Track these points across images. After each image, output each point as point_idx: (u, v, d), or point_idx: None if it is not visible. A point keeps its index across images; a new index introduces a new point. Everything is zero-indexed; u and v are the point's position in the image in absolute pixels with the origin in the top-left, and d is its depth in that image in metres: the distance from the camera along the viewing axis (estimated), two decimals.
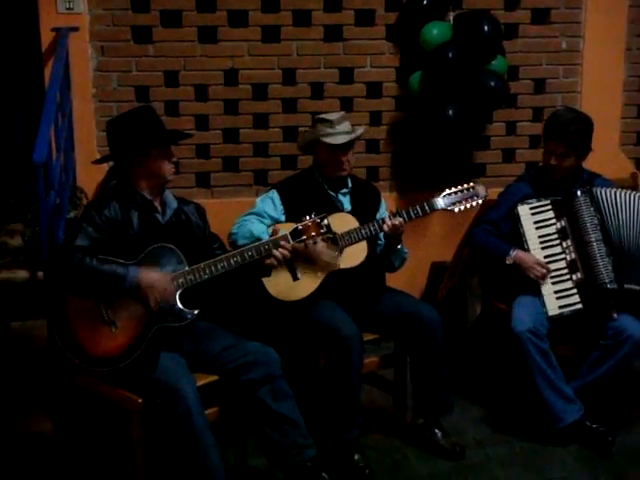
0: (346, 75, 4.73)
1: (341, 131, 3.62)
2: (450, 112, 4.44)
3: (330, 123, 3.62)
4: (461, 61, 4.37)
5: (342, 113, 3.78)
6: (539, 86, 4.95)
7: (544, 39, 4.88)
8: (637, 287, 3.61)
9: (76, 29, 4.34)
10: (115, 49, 4.47)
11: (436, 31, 4.45)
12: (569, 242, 3.71)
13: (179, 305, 3.12)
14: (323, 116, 3.69)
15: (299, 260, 3.46)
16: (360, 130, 3.74)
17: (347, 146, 3.63)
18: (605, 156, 4.72)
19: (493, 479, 3.41)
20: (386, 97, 4.80)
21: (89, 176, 4.39)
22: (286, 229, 3.22)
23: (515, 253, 3.71)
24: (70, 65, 4.35)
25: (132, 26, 4.48)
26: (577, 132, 3.68)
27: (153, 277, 3.06)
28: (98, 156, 4.04)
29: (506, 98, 4.61)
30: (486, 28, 4.36)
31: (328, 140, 3.60)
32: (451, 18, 4.56)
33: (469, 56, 4.39)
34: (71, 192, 4.21)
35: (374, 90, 4.79)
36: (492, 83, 4.42)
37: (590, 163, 3.95)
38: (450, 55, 4.35)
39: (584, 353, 3.71)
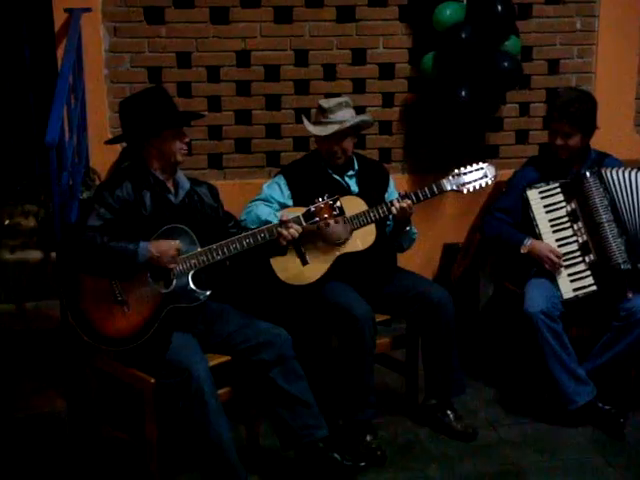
0: (358, 56, 4.71)
1: (333, 120, 3.59)
2: (463, 93, 4.41)
3: (323, 111, 3.60)
4: (474, 42, 4.33)
5: (342, 100, 3.71)
6: (553, 67, 4.90)
7: (558, 19, 4.82)
8: None
9: (89, 10, 4.32)
10: (127, 30, 4.46)
11: (449, 12, 4.40)
12: (580, 224, 3.70)
13: (192, 286, 3.14)
14: (321, 102, 3.67)
15: (309, 244, 3.46)
16: (355, 120, 3.63)
17: (338, 136, 3.60)
18: (619, 137, 4.70)
19: (505, 460, 3.42)
20: (399, 78, 4.77)
21: (102, 157, 4.39)
22: (297, 212, 3.23)
23: (530, 243, 3.70)
24: (83, 46, 4.34)
25: (144, 7, 4.46)
26: (580, 110, 3.67)
27: (163, 245, 3.07)
28: (111, 137, 4.04)
29: (519, 79, 4.57)
30: (500, 8, 4.31)
31: (315, 131, 3.59)
32: None
33: (482, 37, 4.35)
34: (84, 173, 4.21)
35: (387, 71, 4.76)
36: (505, 64, 4.38)
37: (604, 144, 3.93)
38: (463, 36, 4.31)
39: (597, 335, 3.70)
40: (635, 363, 3.72)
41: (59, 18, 4.31)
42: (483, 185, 3.59)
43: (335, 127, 3.58)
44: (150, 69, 4.53)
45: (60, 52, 4.22)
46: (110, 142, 3.50)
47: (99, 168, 4.36)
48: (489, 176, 3.59)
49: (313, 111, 3.79)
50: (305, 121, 3.69)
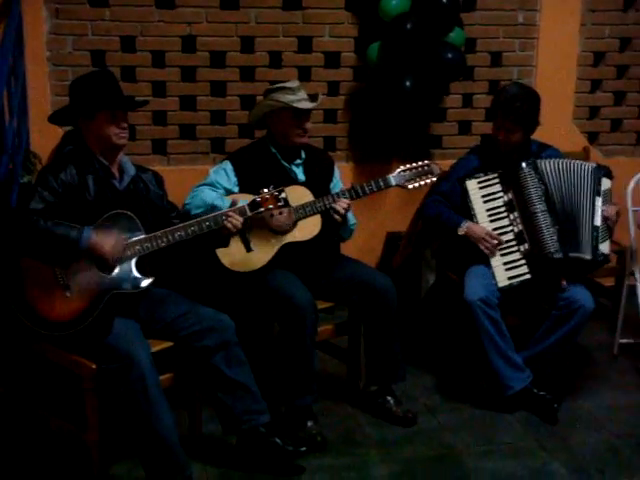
0: (304, 44, 4.72)
1: (302, 97, 3.64)
2: (407, 83, 4.46)
3: (292, 90, 3.63)
4: (419, 32, 4.38)
5: (297, 81, 3.78)
6: (495, 59, 4.99)
7: (501, 12, 4.91)
8: (586, 255, 3.69)
9: None
10: (70, 12, 4.40)
11: (395, 2, 4.44)
12: (516, 214, 3.77)
13: (135, 272, 3.12)
14: (282, 85, 3.69)
15: (253, 232, 3.48)
16: (320, 96, 3.74)
17: (309, 112, 3.66)
18: (559, 130, 4.80)
19: (443, 445, 3.49)
20: (344, 67, 4.80)
21: (43, 141, 4.33)
22: (242, 199, 3.24)
23: (467, 224, 3.77)
24: (24, 27, 4.27)
25: None
26: (523, 107, 3.73)
27: (105, 238, 3.04)
28: None
29: (463, 70, 4.64)
30: (445, 0, 4.37)
31: (296, 105, 3.59)
32: None
33: (427, 28, 4.40)
34: (25, 157, 4.14)
35: (332, 60, 4.78)
36: (449, 55, 4.44)
37: (544, 136, 4.01)
38: (408, 26, 4.36)
39: (533, 323, 3.79)
40: (569, 350, 3.81)
41: None
42: (427, 182, 3.70)
43: (309, 102, 3.64)
44: (93, 52, 4.48)
45: None
46: (52, 120, 3.40)
47: (40, 152, 4.29)
48: (434, 173, 3.68)
49: (261, 99, 3.79)
50: (279, 96, 3.64)
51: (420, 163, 3.69)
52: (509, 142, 3.79)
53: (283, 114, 3.64)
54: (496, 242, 3.73)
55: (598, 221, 3.72)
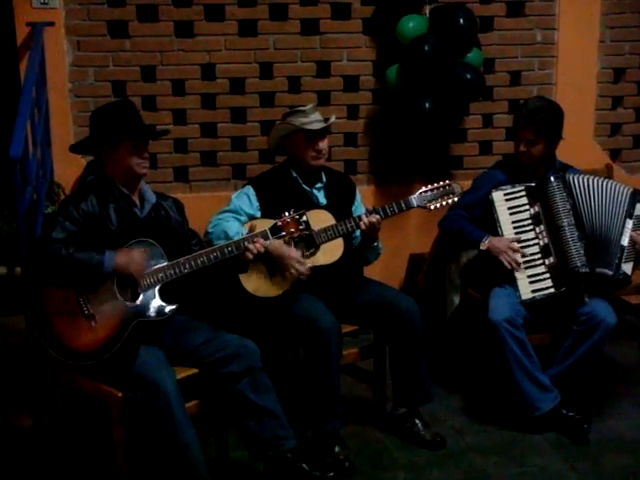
0: (323, 69, 4.74)
1: (315, 119, 3.65)
2: (427, 105, 4.46)
3: (304, 113, 3.65)
4: (437, 54, 4.39)
5: (312, 104, 3.79)
6: (515, 78, 4.98)
7: (519, 32, 4.91)
8: (608, 271, 3.66)
9: (52, 24, 4.32)
10: (91, 44, 4.46)
11: (412, 24, 4.46)
12: (542, 227, 3.75)
13: (159, 299, 3.13)
14: (296, 109, 3.71)
15: (273, 259, 3.48)
16: (333, 118, 3.75)
17: (324, 132, 3.67)
18: (580, 147, 4.76)
19: (472, 468, 3.45)
20: (363, 90, 4.82)
21: (67, 171, 4.37)
22: (263, 225, 3.25)
23: (488, 239, 3.75)
24: (46, 60, 4.33)
25: (108, 21, 4.46)
26: (545, 119, 3.73)
27: (129, 255, 3.06)
28: None
29: (482, 91, 4.64)
30: (462, 21, 4.38)
31: (307, 127, 3.61)
32: (427, 11, 4.57)
33: (445, 49, 4.41)
34: (48, 187, 4.19)
35: (351, 83, 4.80)
36: (468, 76, 4.44)
37: (565, 154, 3.99)
38: (426, 48, 4.37)
39: (559, 342, 3.75)
40: (595, 368, 3.76)
41: (21, 32, 4.29)
42: (449, 202, 3.70)
43: (321, 123, 3.64)
44: (114, 83, 4.53)
45: (23, 66, 4.20)
46: (73, 149, 3.44)
47: (63, 182, 4.34)
48: (455, 193, 3.69)
49: (278, 123, 3.82)
50: (292, 119, 3.67)
51: (441, 183, 3.69)
52: (531, 155, 3.77)
53: (296, 137, 3.67)
54: (519, 256, 3.70)
55: (626, 241, 3.69)
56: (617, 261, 3.66)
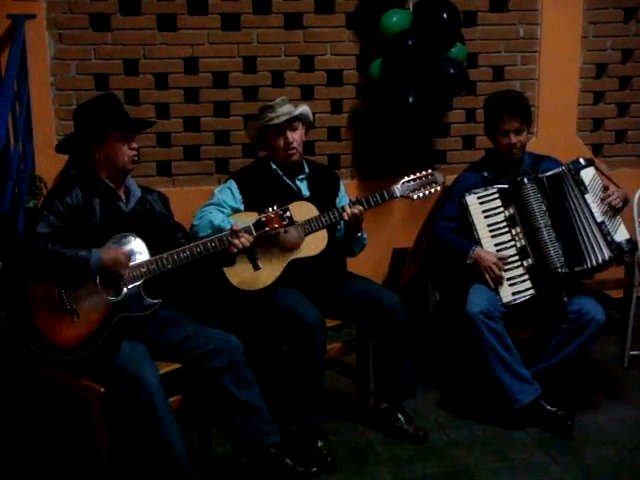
0: (306, 63, 4.74)
1: (283, 112, 3.64)
2: (410, 99, 4.47)
3: (271, 108, 3.65)
4: (421, 49, 4.39)
5: (283, 97, 3.75)
6: (498, 73, 4.99)
7: (502, 27, 4.92)
8: (607, 254, 3.63)
9: (33, 16, 4.29)
10: (73, 37, 4.43)
11: (395, 19, 4.47)
12: (518, 229, 3.75)
13: (142, 294, 3.12)
14: (266, 104, 3.71)
15: (260, 250, 3.48)
16: (300, 108, 3.70)
17: (290, 125, 3.64)
18: (562, 142, 4.80)
19: (455, 462, 3.46)
20: (347, 85, 4.82)
21: (49, 165, 4.35)
22: (248, 216, 3.23)
23: (475, 252, 3.73)
24: (27, 53, 4.29)
25: (90, 13, 4.44)
26: (525, 105, 3.78)
27: (114, 251, 3.05)
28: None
29: (465, 85, 4.65)
30: (445, 16, 4.39)
31: (272, 122, 3.61)
32: (410, 6, 4.57)
33: (428, 44, 4.41)
34: (30, 181, 4.16)
35: (335, 78, 4.80)
36: (451, 70, 4.45)
37: (547, 149, 4.01)
38: (410, 43, 4.37)
39: (544, 337, 3.77)
40: (580, 364, 3.79)
41: (2, 25, 4.27)
42: (432, 191, 3.68)
43: (286, 116, 3.62)
44: (97, 76, 4.50)
45: (4, 59, 4.17)
46: (59, 149, 3.42)
47: (45, 176, 4.31)
48: (438, 182, 3.67)
49: (250, 121, 3.83)
50: (262, 116, 3.67)
51: (424, 173, 3.67)
52: (521, 143, 3.77)
53: (266, 133, 3.68)
54: (502, 274, 3.69)
55: (599, 217, 3.67)
56: (608, 238, 3.65)
